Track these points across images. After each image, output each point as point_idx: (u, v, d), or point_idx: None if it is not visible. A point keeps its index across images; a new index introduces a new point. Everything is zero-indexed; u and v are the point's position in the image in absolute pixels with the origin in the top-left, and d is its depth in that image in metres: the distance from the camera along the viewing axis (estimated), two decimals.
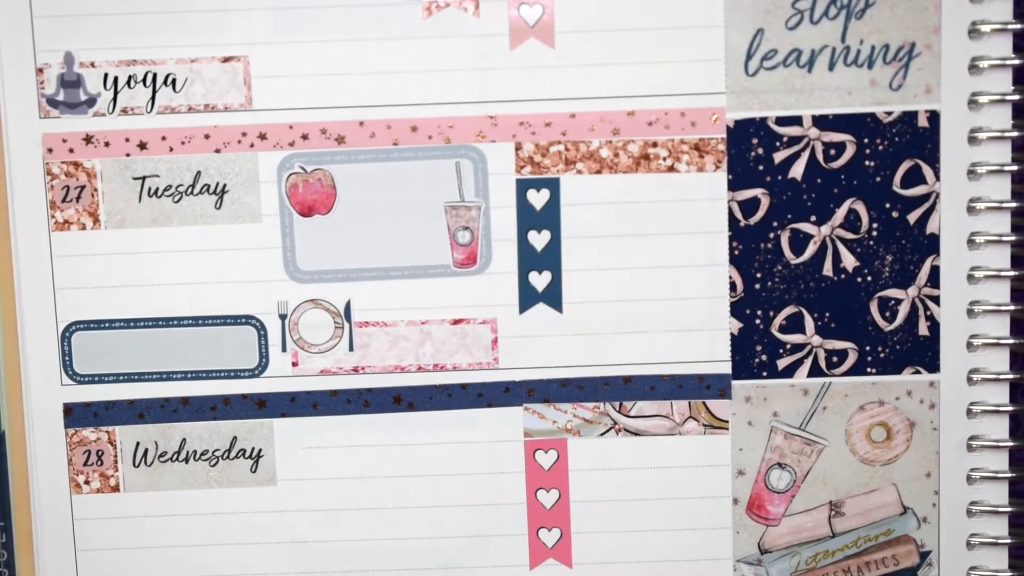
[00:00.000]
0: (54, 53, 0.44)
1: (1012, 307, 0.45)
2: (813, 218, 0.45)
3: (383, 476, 0.46)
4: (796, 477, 0.46)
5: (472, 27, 0.44)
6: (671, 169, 0.45)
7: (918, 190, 0.45)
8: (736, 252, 0.45)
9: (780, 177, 0.45)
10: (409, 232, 0.45)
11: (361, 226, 0.45)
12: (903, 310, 0.45)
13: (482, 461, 0.46)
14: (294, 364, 0.46)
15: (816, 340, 0.45)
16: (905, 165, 0.44)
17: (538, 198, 0.45)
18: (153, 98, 0.44)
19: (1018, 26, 0.43)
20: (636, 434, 0.46)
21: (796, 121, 0.44)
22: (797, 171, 0.45)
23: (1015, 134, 0.44)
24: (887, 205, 0.45)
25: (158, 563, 0.47)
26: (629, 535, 0.46)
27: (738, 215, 0.45)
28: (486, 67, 0.44)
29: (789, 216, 0.45)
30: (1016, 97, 0.44)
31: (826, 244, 0.45)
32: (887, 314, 0.45)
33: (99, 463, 0.46)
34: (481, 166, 0.45)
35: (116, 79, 0.44)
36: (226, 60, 0.44)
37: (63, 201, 0.45)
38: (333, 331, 0.46)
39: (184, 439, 0.46)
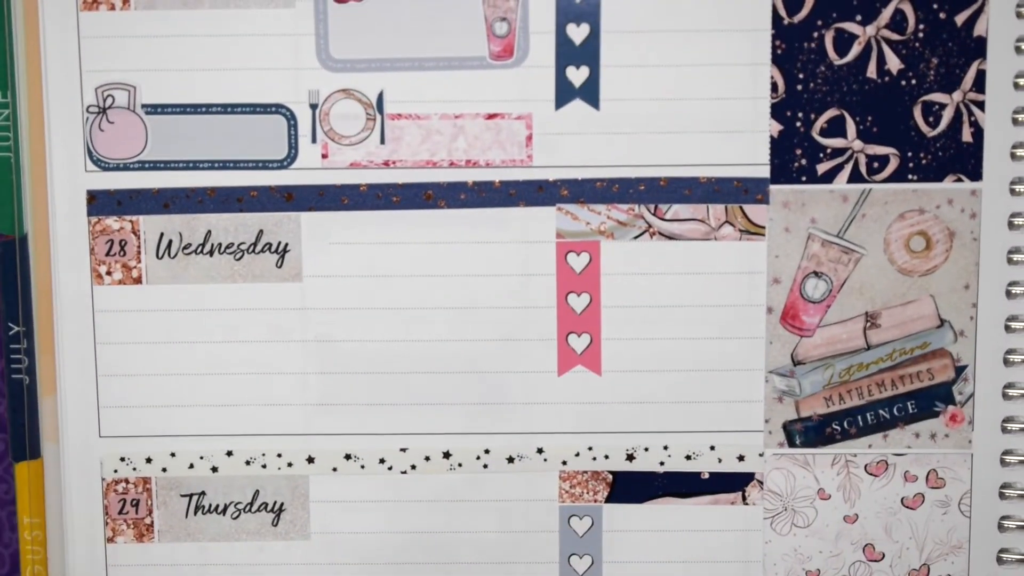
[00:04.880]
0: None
1: None
2: (858, 17, 0.44)
3: (411, 275, 0.45)
4: (832, 286, 0.45)
5: None
6: None
7: None
8: (779, 51, 0.44)
9: None
10: (445, 21, 0.44)
11: (397, 14, 0.44)
12: (947, 115, 0.44)
13: (512, 262, 0.45)
14: (324, 156, 0.45)
15: (857, 144, 0.44)
16: None
17: None
18: None
19: None
20: (670, 238, 0.45)
21: None
22: None
23: None
24: (934, 6, 0.44)
25: (178, 357, 0.46)
26: (660, 343, 0.46)
27: (782, 12, 0.44)
28: None
29: (834, 15, 0.44)
30: None
31: (871, 45, 0.44)
32: (930, 119, 0.44)
33: (122, 253, 0.45)
34: None
35: None
36: None
37: None
38: (365, 123, 0.45)
39: (209, 231, 0.45)
